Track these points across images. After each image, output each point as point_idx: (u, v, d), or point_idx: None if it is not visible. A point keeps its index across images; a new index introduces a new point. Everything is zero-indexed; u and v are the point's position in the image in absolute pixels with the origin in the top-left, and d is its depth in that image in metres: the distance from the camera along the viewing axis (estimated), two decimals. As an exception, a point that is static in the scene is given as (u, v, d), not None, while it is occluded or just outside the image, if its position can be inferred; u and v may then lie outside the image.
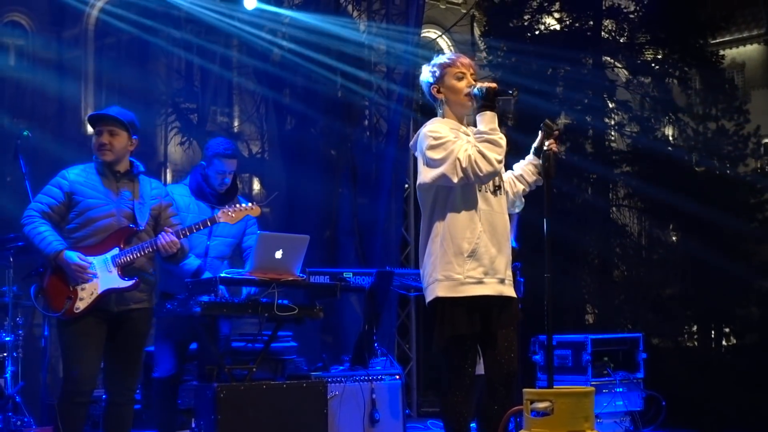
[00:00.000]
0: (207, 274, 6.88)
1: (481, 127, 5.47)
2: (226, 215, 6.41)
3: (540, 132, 5.71)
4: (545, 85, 12.90)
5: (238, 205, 6.58)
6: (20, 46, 11.50)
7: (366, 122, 11.21)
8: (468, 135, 5.55)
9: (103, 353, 5.97)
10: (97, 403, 7.37)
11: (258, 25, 10.32)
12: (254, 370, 6.99)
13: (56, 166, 6.06)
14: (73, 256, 5.78)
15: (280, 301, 6.82)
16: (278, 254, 6.74)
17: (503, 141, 5.45)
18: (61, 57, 10.63)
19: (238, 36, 10.47)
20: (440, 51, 11.15)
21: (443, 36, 11.94)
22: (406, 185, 10.91)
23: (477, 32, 13.74)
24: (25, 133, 7.05)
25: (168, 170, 11.16)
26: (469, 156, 5.39)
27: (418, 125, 10.61)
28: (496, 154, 5.43)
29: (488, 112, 5.46)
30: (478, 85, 5.52)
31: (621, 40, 14.70)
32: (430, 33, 11.22)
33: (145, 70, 10.61)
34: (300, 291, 7.05)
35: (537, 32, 14.44)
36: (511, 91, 5.71)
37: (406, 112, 10.89)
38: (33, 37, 11.23)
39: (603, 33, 14.61)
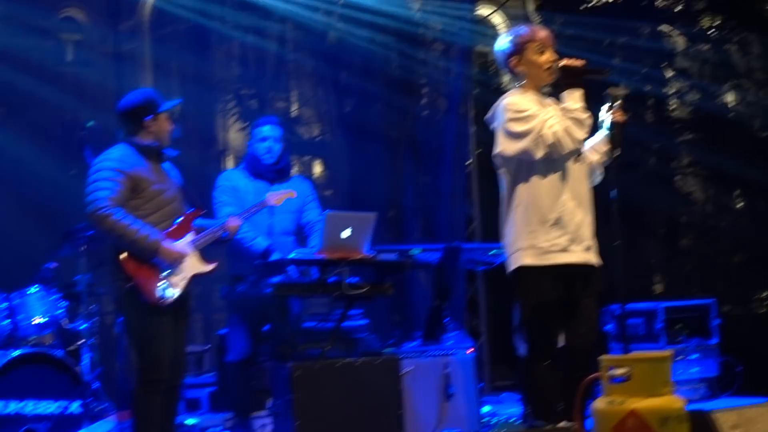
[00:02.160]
0: (276, 255, 6.93)
1: (569, 104, 5.47)
2: (273, 198, 6.47)
3: (605, 102, 5.69)
4: (602, 56, 12.77)
5: (280, 191, 6.65)
6: (77, 41, 11.55)
7: (425, 100, 11.19)
8: (549, 107, 5.56)
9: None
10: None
11: (313, 8, 10.33)
12: (327, 348, 7.03)
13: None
14: (175, 245, 5.82)
15: (349, 279, 6.85)
16: (346, 233, 6.76)
17: (590, 121, 5.47)
18: (118, 49, 10.64)
19: (294, 19, 10.49)
20: (495, 27, 11.13)
21: (497, 11, 11.85)
22: (469, 161, 10.86)
23: (530, 7, 13.62)
24: (89, 123, 7.10)
25: (228, 158, 11.16)
26: (555, 132, 5.40)
27: (477, 101, 10.64)
28: (581, 134, 5.46)
29: (577, 90, 5.48)
30: (565, 61, 5.53)
31: (677, 9, 14.51)
32: (484, 9, 11.13)
33: (203, 57, 10.62)
34: (369, 269, 7.07)
35: (591, 4, 14.30)
36: (599, 70, 5.68)
37: (465, 88, 10.85)
38: (89, 32, 11.25)
39: (658, 2, 14.43)
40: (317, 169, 11.28)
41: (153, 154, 5.99)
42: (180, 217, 5.98)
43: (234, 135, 11.21)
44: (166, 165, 6.09)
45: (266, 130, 7.31)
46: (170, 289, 5.83)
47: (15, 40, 9.57)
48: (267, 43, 10.85)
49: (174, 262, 5.79)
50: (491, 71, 11.11)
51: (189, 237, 5.95)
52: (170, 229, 5.90)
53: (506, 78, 10.28)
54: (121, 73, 10.39)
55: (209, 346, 8.61)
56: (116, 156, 5.89)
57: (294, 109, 11.35)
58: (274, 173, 7.31)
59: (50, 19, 10.41)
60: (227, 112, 10.99)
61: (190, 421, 6.99)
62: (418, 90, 11.15)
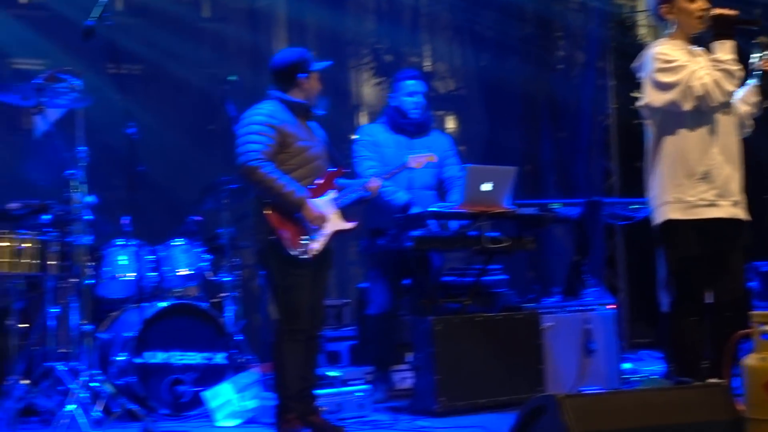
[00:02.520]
0: (415, 209, 6.93)
1: (719, 55, 5.35)
2: (414, 161, 6.47)
3: (755, 50, 5.55)
4: (744, 5, 12.41)
5: (422, 154, 6.60)
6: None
7: (562, 53, 11.03)
8: (698, 57, 5.43)
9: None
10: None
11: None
12: (467, 303, 7.03)
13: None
14: (319, 204, 5.87)
15: (489, 233, 6.83)
16: (486, 186, 6.74)
17: (740, 73, 5.34)
18: (253, 5, 10.71)
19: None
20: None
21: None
22: (607, 115, 10.69)
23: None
24: (231, 78, 7.17)
25: (362, 113, 11.17)
26: (704, 84, 5.29)
27: (616, 54, 10.43)
28: (732, 86, 5.34)
29: (728, 41, 5.37)
30: (717, 10, 5.40)
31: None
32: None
33: (337, 11, 10.62)
34: (508, 223, 7.03)
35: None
36: (752, 20, 5.54)
37: (603, 40, 10.67)
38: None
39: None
40: (450, 124, 11.21)
41: (302, 111, 6.02)
42: (323, 174, 6.01)
43: (368, 90, 11.19)
44: (312, 124, 6.12)
45: (412, 84, 7.31)
46: (311, 243, 5.87)
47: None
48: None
49: (314, 222, 5.83)
50: (629, 23, 10.89)
51: (331, 195, 5.98)
52: (313, 186, 5.93)
53: (644, 30, 10.08)
54: (256, 28, 10.45)
55: (348, 300, 8.65)
56: (267, 111, 5.92)
57: (427, 63, 11.27)
58: (415, 127, 7.30)
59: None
60: (361, 67, 10.97)
61: (332, 373, 7.04)
62: (555, 43, 10.99)
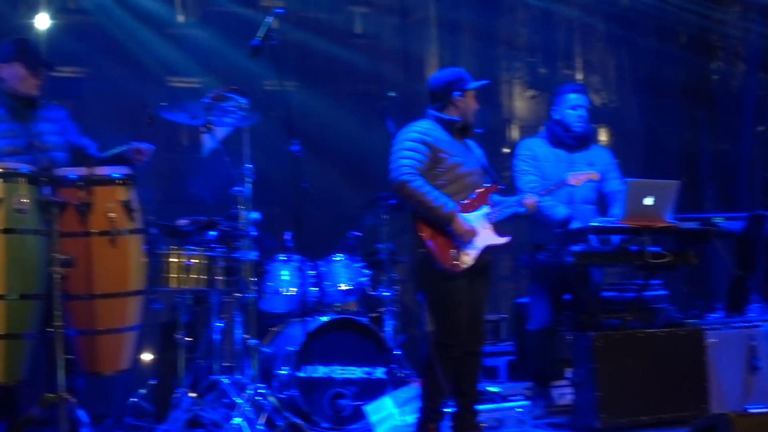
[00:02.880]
0: (576, 223, 6.87)
1: None
2: (574, 179, 6.40)
3: None
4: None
5: (582, 172, 6.53)
6: (364, 14, 11.76)
7: (721, 63, 10.83)
8: None
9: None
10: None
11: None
12: (628, 318, 6.94)
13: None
14: (469, 219, 5.88)
15: (651, 248, 6.73)
16: (648, 201, 6.65)
17: None
18: (405, 19, 10.78)
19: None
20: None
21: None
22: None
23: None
24: (390, 93, 7.22)
25: (514, 126, 11.12)
26: None
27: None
28: None
29: None
30: None
31: None
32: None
33: (489, 24, 10.61)
34: (669, 238, 6.92)
35: None
36: None
37: (765, 50, 10.42)
38: (376, 2, 11.45)
39: None
40: (603, 136, 11.08)
41: (456, 128, 6.06)
42: (476, 190, 6.02)
43: (520, 103, 11.15)
44: (470, 142, 6.15)
45: (575, 98, 7.27)
46: (462, 258, 5.87)
47: (308, 9, 9.85)
48: (556, 7, 10.74)
49: (463, 236, 5.83)
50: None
51: (484, 210, 5.98)
52: (466, 202, 5.95)
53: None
54: (408, 43, 10.51)
55: (505, 315, 8.63)
56: (421, 128, 6.02)
57: (580, 75, 11.17)
58: (576, 141, 7.25)
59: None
60: (513, 81, 10.94)
61: (492, 388, 7.03)
62: (714, 53, 10.78)
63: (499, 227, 6.01)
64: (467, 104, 6.08)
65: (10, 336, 5.37)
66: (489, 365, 7.92)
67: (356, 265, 7.50)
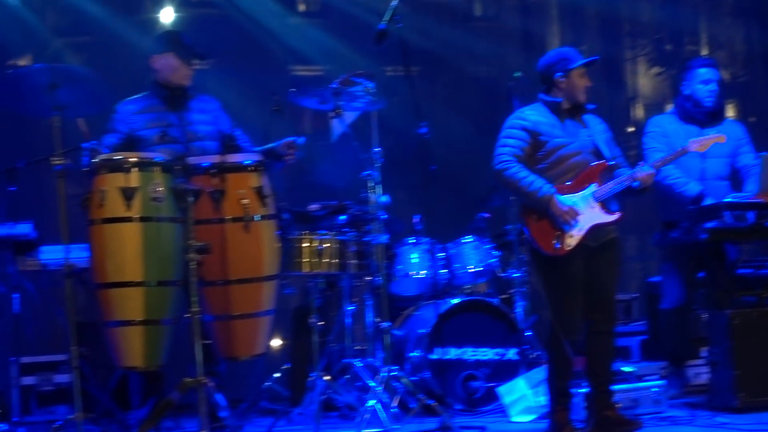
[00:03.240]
0: (708, 200, 6.75)
1: None
2: (696, 144, 6.23)
3: None
4: None
5: (705, 137, 6.36)
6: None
7: None
8: None
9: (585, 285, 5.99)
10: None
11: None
12: (766, 295, 6.78)
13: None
14: (567, 200, 5.82)
15: (786, 223, 6.57)
16: (784, 175, 6.49)
17: None
18: (524, 2, 10.70)
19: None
20: None
21: None
22: None
23: None
24: (516, 74, 7.18)
25: (638, 105, 10.95)
26: None
27: None
28: None
29: None
30: None
31: None
32: None
33: (612, 1, 10.46)
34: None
35: None
36: None
37: None
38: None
39: None
40: (731, 112, 10.84)
41: (561, 109, 6.00)
42: (583, 170, 5.93)
43: (644, 81, 10.98)
44: (590, 118, 6.05)
45: (706, 72, 7.13)
46: (566, 240, 5.82)
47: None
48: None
49: (562, 217, 5.78)
50: None
51: (591, 188, 5.89)
52: (571, 182, 5.89)
53: None
54: (529, 23, 10.44)
55: (637, 294, 8.51)
56: (523, 114, 6.01)
57: (705, 51, 10.95)
58: (706, 117, 7.11)
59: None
60: (637, 58, 10.77)
61: (627, 368, 6.93)
62: None
63: (609, 204, 5.90)
64: (571, 84, 5.98)
65: (148, 322, 5.47)
66: (622, 345, 7.81)
67: (485, 246, 7.49)
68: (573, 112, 6.03)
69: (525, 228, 5.93)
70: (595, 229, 5.85)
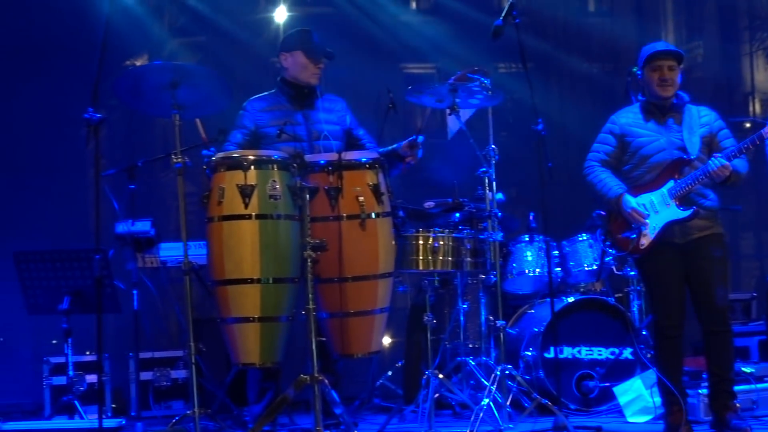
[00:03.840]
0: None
1: None
2: None
3: None
4: None
5: None
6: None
7: None
8: None
9: (686, 285, 5.87)
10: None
11: None
12: None
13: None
14: (631, 201, 5.82)
15: None
16: None
17: None
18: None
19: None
20: None
21: None
22: None
23: None
24: (633, 69, 7.06)
25: (755, 100, 10.73)
26: None
27: None
28: None
29: None
30: None
31: None
32: None
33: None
34: None
35: None
36: None
37: None
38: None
39: None
40: None
41: (650, 108, 5.95)
42: (662, 167, 5.84)
43: (762, 76, 10.76)
44: (691, 108, 5.93)
45: None
46: (639, 239, 5.81)
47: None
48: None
49: (630, 217, 5.78)
50: None
51: (669, 185, 5.80)
52: (650, 180, 5.80)
53: None
54: (643, 17, 10.32)
55: (755, 293, 8.33)
56: (616, 117, 6.05)
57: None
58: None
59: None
60: (755, 51, 10.55)
61: (746, 369, 6.79)
62: None
63: (684, 201, 5.78)
64: (646, 79, 5.99)
65: (265, 319, 5.50)
66: (740, 345, 7.66)
67: (601, 244, 7.39)
68: (664, 109, 5.96)
69: (609, 228, 6.00)
70: (675, 226, 5.79)
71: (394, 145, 6.34)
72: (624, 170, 5.97)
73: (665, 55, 5.92)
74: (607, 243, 7.34)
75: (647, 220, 5.80)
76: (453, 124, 6.26)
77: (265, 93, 6.45)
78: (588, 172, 6.00)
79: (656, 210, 5.80)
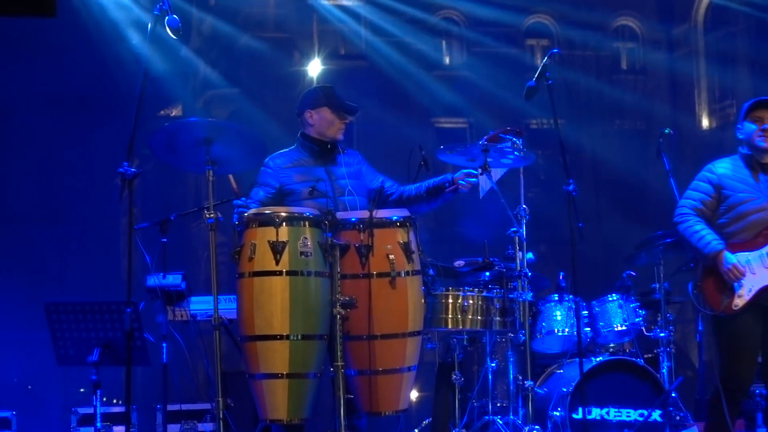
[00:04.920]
0: None
1: None
2: None
3: None
4: None
5: None
6: (630, 49, 11.68)
7: None
8: None
9: (762, 348, 5.83)
10: (750, 398, 7.28)
11: None
12: None
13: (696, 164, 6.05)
14: (731, 258, 5.71)
15: None
16: None
17: None
18: (672, 54, 10.60)
19: None
20: None
21: None
22: None
23: None
24: (666, 131, 7.07)
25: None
26: None
27: None
28: None
29: None
30: None
31: None
32: None
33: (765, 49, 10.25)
34: None
35: None
36: None
37: None
38: (642, 39, 11.34)
39: None
40: None
41: (755, 163, 5.89)
42: (762, 227, 5.79)
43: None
44: None
45: None
46: (734, 300, 5.71)
47: (575, 47, 9.81)
48: None
49: (727, 276, 5.65)
50: None
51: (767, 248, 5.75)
52: (749, 239, 5.75)
53: None
54: (676, 75, 10.36)
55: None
56: (714, 166, 5.95)
57: None
58: None
59: (606, 28, 10.57)
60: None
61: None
62: None
63: None
64: (745, 131, 5.89)
65: (293, 375, 5.50)
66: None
67: (631, 305, 7.37)
68: (764, 165, 5.89)
69: (699, 284, 5.84)
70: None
71: (438, 179, 6.29)
72: (718, 224, 5.85)
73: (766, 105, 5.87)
74: (638, 303, 7.35)
75: (743, 281, 5.71)
76: (484, 183, 6.26)
77: (286, 149, 6.44)
78: (681, 220, 5.86)
79: (753, 271, 5.72)
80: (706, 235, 5.74)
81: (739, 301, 5.70)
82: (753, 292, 5.70)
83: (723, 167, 5.91)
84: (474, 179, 6.17)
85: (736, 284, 5.69)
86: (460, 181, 6.15)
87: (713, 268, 5.76)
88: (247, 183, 6.12)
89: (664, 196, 6.18)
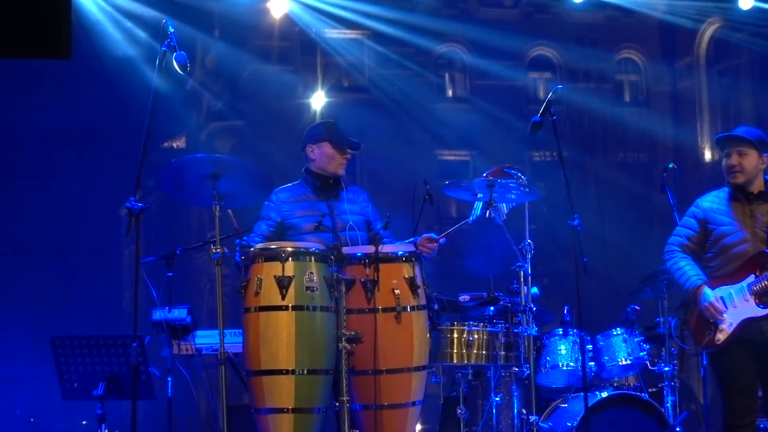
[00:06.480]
0: None
1: None
2: None
3: None
4: None
5: None
6: (633, 82, 11.73)
7: None
8: None
9: (761, 382, 5.83)
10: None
11: None
12: None
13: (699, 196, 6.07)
14: (709, 294, 5.74)
15: None
16: None
17: None
18: (674, 87, 10.64)
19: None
20: None
21: None
22: None
23: None
24: (670, 165, 7.10)
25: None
26: None
27: None
28: None
29: None
30: None
31: None
32: None
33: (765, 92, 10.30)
34: None
35: None
36: None
37: None
38: (646, 72, 11.39)
39: None
40: None
41: (739, 196, 5.89)
42: (743, 260, 5.79)
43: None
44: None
45: None
46: (716, 334, 5.74)
47: (577, 79, 9.86)
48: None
49: (705, 312, 5.69)
50: None
51: (748, 280, 5.74)
52: (730, 272, 5.76)
53: None
54: (678, 108, 10.40)
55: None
56: (700, 201, 5.99)
57: None
58: None
59: (608, 61, 10.61)
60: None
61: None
62: None
63: (764, 298, 5.71)
64: (724, 166, 5.87)
65: (299, 410, 5.50)
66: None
67: (635, 339, 7.37)
68: (749, 197, 5.89)
69: (687, 319, 5.90)
70: (751, 324, 5.70)
71: (412, 239, 6.27)
72: (706, 257, 5.88)
73: (731, 140, 5.88)
74: (642, 338, 7.35)
75: (725, 315, 5.72)
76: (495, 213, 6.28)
77: (290, 184, 6.45)
78: (668, 258, 5.94)
79: (734, 305, 5.73)
80: (688, 271, 5.81)
81: (720, 336, 5.72)
82: (734, 325, 5.71)
83: (708, 201, 5.94)
84: (435, 245, 6.13)
85: (714, 320, 5.70)
86: (421, 248, 6.12)
87: (694, 303, 5.81)
88: (252, 217, 6.13)
89: (668, 229, 6.18)
